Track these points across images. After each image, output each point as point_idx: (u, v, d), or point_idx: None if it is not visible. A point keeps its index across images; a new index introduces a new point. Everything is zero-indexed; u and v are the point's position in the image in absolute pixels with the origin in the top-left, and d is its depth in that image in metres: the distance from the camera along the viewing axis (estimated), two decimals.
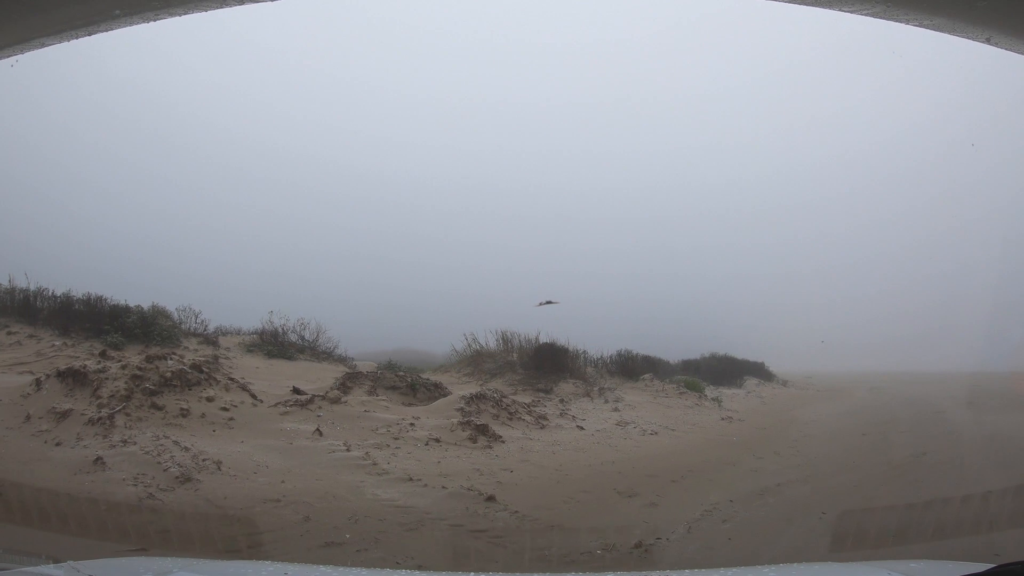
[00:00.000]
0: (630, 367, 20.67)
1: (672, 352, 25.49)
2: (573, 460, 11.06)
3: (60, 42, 3.26)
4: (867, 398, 24.74)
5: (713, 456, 11.74)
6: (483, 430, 12.25)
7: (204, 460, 8.75)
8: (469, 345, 21.73)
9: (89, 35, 3.20)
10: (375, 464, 9.71)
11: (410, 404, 14.82)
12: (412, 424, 12.46)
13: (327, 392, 13.86)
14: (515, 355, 20.83)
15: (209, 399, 11.64)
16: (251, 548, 6.01)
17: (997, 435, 13.84)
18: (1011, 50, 3.00)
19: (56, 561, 3.21)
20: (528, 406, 14.34)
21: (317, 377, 16.55)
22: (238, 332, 20.45)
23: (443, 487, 8.66)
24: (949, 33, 2.98)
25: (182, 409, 10.92)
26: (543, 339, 20.35)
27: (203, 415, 11.01)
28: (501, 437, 12.29)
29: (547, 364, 19.69)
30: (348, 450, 10.33)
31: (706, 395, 19.85)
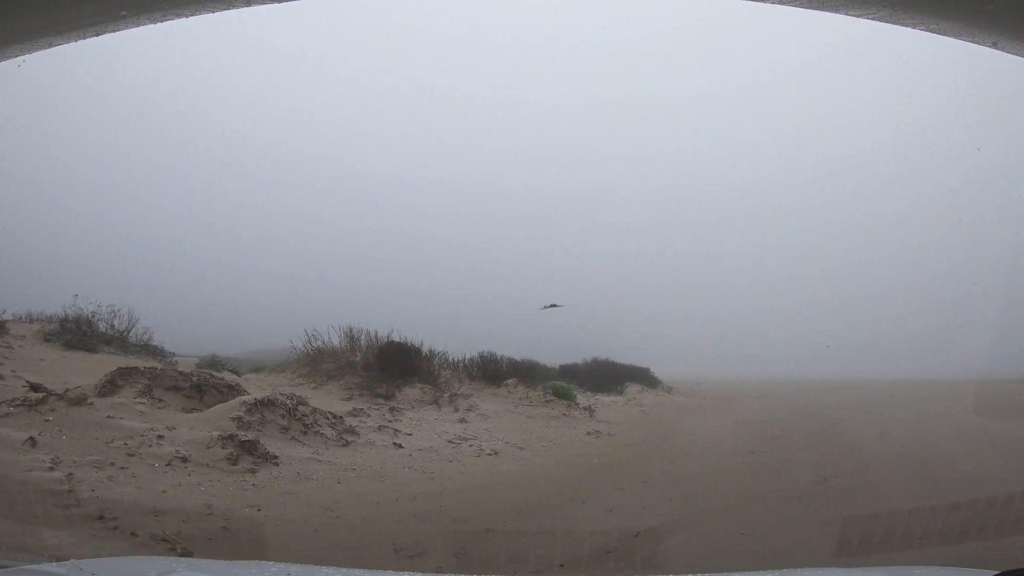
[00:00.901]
0: (493, 371, 17.57)
1: (557, 356, 22.85)
2: (362, 493, 7.85)
3: (67, 42, 3.20)
4: (757, 407, 22.38)
5: (562, 486, 8.74)
6: (250, 448, 8.93)
7: None
8: (309, 342, 18.17)
9: (96, 35, 3.14)
10: (71, 491, 7.26)
11: (191, 409, 11.52)
12: (161, 436, 9.32)
13: (66, 391, 10.48)
14: (359, 355, 17.48)
15: None
16: None
17: (907, 452, 11.53)
18: (1018, 55, 2.93)
19: (59, 559, 3.41)
20: (337, 417, 11.01)
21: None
22: (51, 320, 17.19)
23: (134, 533, 6.28)
24: (955, 37, 2.92)
25: None
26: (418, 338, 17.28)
27: None
28: (276, 457, 8.98)
29: (393, 366, 16.44)
30: (51, 469, 7.82)
31: (577, 404, 16.95)
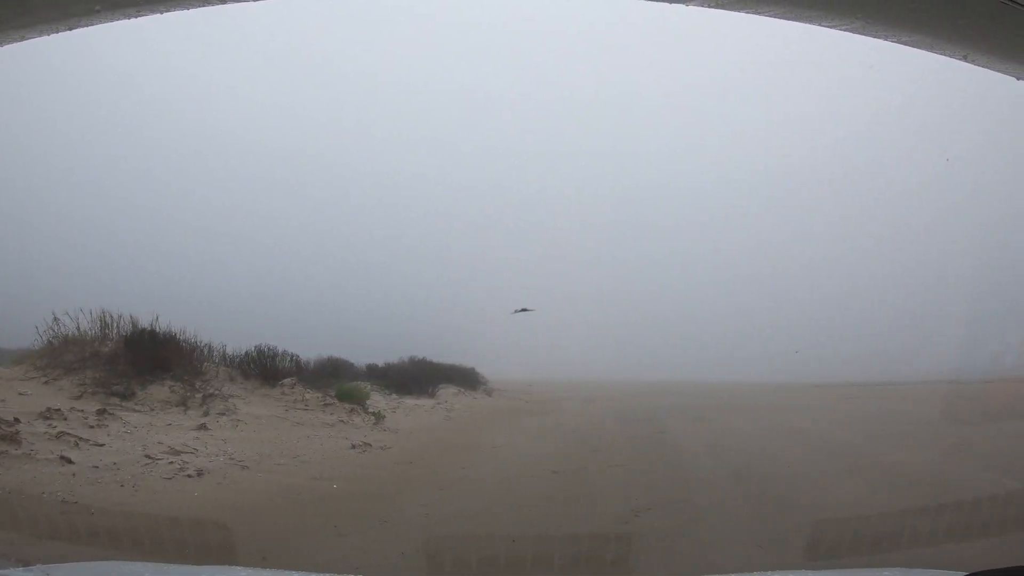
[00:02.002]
0: (271, 369, 15.32)
1: (377, 355, 21.46)
2: None
3: (39, 36, 2.97)
4: (583, 413, 20.90)
5: (258, 528, 6.64)
6: None
7: None
8: (52, 329, 15.13)
9: (69, 29, 2.93)
10: None
11: None
12: None
13: None
14: (109, 345, 14.72)
15: None
16: None
17: (749, 470, 10.03)
18: (987, 67, 2.98)
19: (26, 565, 3.11)
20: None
21: None
22: None
23: None
24: (927, 50, 2.99)
25: None
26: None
27: None
28: None
29: (143, 359, 13.89)
30: None
31: (365, 408, 15.00)
